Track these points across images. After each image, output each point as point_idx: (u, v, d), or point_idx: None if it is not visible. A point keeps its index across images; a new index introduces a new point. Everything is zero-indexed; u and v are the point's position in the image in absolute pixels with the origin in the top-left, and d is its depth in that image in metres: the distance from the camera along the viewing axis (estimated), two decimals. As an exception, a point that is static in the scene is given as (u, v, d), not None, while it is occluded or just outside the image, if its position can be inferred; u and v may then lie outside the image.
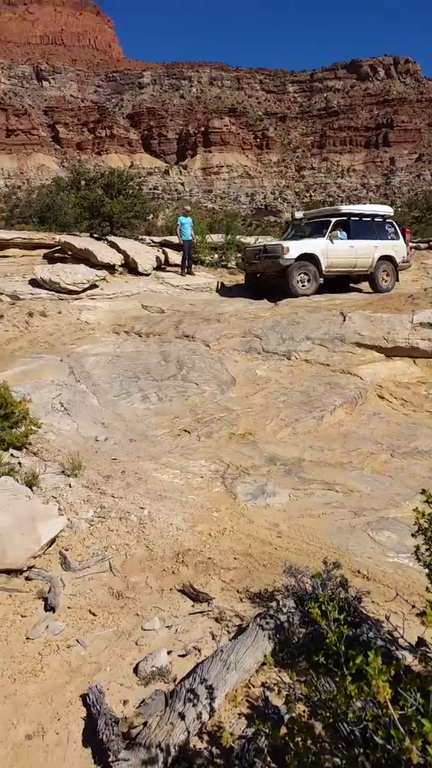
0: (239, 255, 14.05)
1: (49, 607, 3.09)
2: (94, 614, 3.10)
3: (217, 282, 14.23)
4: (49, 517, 3.77)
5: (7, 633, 2.92)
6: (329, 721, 1.69)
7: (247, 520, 4.41)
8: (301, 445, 5.93)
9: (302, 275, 11.84)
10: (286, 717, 2.24)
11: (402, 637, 2.17)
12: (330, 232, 12.29)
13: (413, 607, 2.98)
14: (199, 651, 2.80)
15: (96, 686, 2.51)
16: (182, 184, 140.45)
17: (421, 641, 2.46)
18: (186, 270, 14.27)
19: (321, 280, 12.10)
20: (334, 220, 12.62)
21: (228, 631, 2.96)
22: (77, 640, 2.87)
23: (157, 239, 16.06)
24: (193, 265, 14.47)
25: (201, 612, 3.14)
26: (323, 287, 12.83)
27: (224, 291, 13.61)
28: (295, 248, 11.76)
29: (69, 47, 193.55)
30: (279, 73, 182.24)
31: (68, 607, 3.14)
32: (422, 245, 18.67)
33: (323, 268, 12.09)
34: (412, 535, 2.45)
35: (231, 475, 5.18)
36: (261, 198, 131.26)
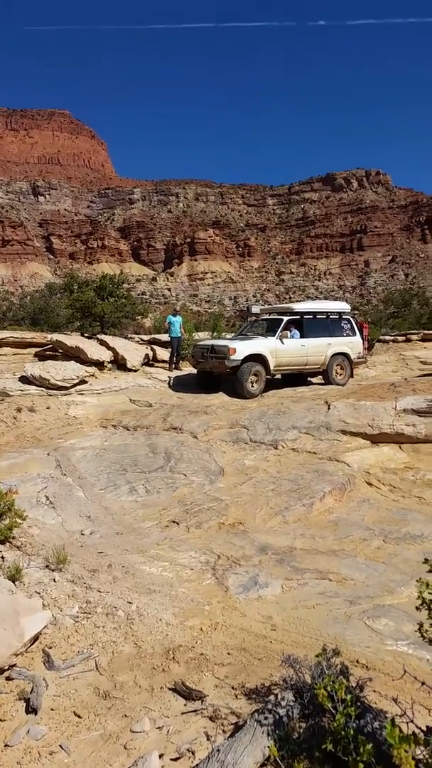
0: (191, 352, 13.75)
1: (31, 709, 2.87)
2: (79, 716, 2.88)
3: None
4: (33, 612, 3.59)
5: (-17, 740, 2.69)
6: None
7: (239, 613, 4.24)
8: (292, 533, 5.83)
9: (252, 376, 11.74)
10: None
11: (413, 721, 2.05)
12: (281, 331, 12.31)
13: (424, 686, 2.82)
14: (193, 753, 2.59)
15: (80, 797, 2.29)
16: (169, 289, 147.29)
17: (430, 730, 2.31)
18: (174, 365, 14.65)
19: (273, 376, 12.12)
20: (285, 319, 12.62)
21: (224, 730, 2.76)
22: (60, 746, 2.65)
23: (146, 337, 16.64)
24: (181, 361, 14.87)
25: (194, 711, 2.94)
26: (280, 382, 12.91)
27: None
28: (241, 349, 11.65)
29: (65, 166, 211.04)
30: (259, 188, 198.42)
31: (51, 709, 2.92)
32: (399, 338, 19.48)
33: (271, 368, 12.07)
34: (417, 609, 2.38)
35: (222, 566, 5.03)
36: (243, 301, 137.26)
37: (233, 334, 16.23)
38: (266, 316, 13.85)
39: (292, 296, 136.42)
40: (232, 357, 11.53)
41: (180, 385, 13.31)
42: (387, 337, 20.00)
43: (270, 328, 12.89)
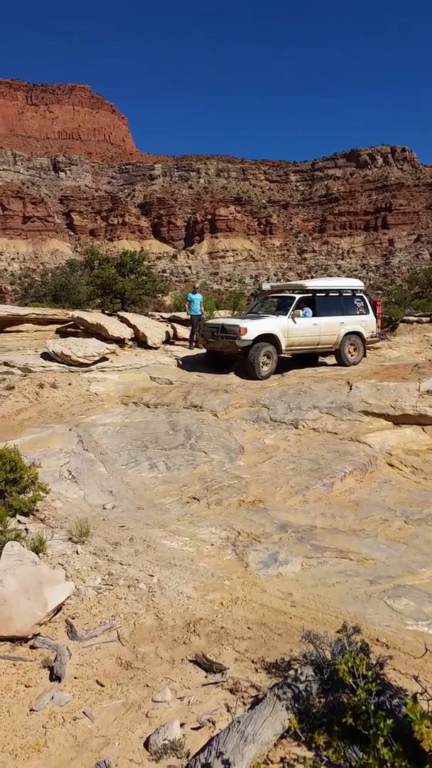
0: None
1: (55, 677, 2.94)
2: (101, 685, 2.95)
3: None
4: (57, 583, 3.66)
5: (9, 704, 2.77)
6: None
7: (259, 589, 4.27)
8: (313, 512, 5.83)
9: (264, 357, 11.32)
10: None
11: None
12: (293, 310, 11.78)
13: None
14: (214, 724, 2.63)
15: (104, 762, 2.35)
16: (189, 267, 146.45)
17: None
18: (194, 343, 14.61)
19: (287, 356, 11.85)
20: (297, 297, 12.08)
21: (243, 703, 2.80)
22: (84, 712, 2.72)
23: (166, 315, 16.59)
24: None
25: (215, 683, 2.98)
26: (292, 362, 12.59)
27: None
28: (253, 329, 11.17)
29: (85, 142, 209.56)
30: (282, 163, 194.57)
31: (75, 677, 2.99)
32: (424, 319, 19.11)
33: (283, 348, 11.65)
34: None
35: (242, 542, 5.06)
36: (265, 279, 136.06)
37: (244, 313, 15.94)
38: (278, 294, 13.35)
39: (314, 275, 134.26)
40: (243, 337, 11.10)
41: (200, 363, 13.27)
42: (411, 318, 19.62)
43: (281, 306, 12.39)
